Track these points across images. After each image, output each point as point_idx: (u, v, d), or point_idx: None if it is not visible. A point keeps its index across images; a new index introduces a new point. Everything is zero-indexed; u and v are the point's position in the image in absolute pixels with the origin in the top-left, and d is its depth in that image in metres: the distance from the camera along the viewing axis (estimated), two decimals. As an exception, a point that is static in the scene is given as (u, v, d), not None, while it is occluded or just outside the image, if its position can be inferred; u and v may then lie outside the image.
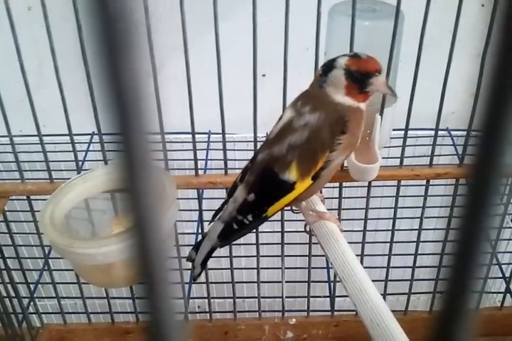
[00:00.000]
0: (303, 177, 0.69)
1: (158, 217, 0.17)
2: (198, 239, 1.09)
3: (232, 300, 1.15)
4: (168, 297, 0.18)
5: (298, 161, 0.68)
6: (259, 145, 0.94)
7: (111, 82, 0.15)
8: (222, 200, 0.98)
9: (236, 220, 0.73)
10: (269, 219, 0.74)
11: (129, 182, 0.16)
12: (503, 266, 1.13)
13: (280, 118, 0.73)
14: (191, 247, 0.80)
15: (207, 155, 1.17)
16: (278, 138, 0.71)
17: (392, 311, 0.64)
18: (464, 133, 0.91)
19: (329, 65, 0.70)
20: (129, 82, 0.15)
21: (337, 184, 0.95)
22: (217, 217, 0.77)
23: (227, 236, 0.74)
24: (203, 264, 0.78)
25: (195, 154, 0.93)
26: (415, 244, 1.05)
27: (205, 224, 1.04)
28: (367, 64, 0.69)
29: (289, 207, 0.81)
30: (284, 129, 0.71)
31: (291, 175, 0.69)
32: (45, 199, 0.81)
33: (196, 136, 0.91)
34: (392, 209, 1.02)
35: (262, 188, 0.72)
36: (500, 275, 1.12)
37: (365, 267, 0.70)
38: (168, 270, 0.17)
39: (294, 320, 1.20)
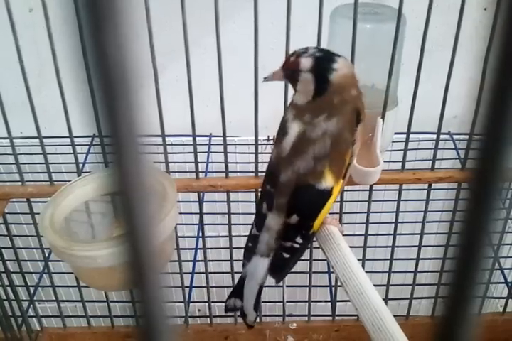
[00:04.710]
0: (337, 179, 0.68)
1: (150, 220, 0.16)
2: (199, 242, 1.09)
3: (232, 304, 1.14)
4: (160, 302, 0.17)
5: (330, 167, 0.67)
6: (260, 148, 0.94)
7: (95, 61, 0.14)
8: (223, 204, 0.98)
9: (284, 248, 0.69)
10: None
11: (119, 185, 0.16)
12: (505, 271, 1.12)
13: (284, 133, 0.69)
14: (229, 293, 0.73)
15: (208, 158, 1.17)
16: (297, 154, 0.68)
17: (394, 316, 0.63)
18: (466, 137, 0.91)
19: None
20: (116, 61, 0.14)
21: (338, 187, 0.95)
22: (251, 253, 0.71)
23: (281, 267, 0.71)
24: (256, 308, 0.72)
25: (195, 157, 0.92)
26: (417, 248, 1.05)
27: (206, 227, 1.04)
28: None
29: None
30: (300, 143, 0.68)
31: (328, 181, 0.68)
32: (45, 202, 0.81)
33: (197, 138, 0.91)
34: (394, 213, 1.01)
35: (303, 205, 0.69)
36: (503, 281, 1.12)
37: (366, 271, 0.70)
38: (160, 275, 0.17)
39: (295, 324, 1.19)
